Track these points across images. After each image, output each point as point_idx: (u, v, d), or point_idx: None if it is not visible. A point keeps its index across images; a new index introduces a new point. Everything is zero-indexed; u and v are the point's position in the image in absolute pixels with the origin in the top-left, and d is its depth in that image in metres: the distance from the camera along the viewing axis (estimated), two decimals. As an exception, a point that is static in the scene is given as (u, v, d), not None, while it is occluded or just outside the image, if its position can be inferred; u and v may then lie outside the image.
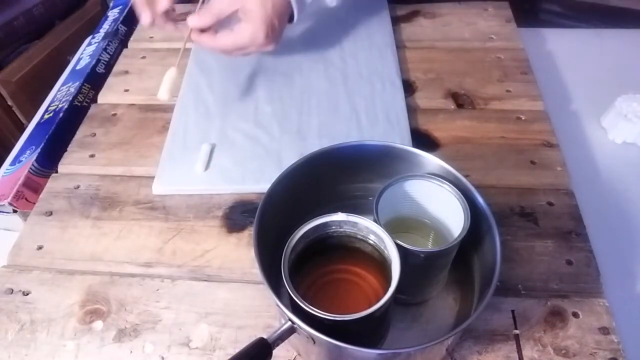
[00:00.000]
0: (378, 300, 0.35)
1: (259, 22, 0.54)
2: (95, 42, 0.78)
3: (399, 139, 0.58)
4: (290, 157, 0.51)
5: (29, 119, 0.72)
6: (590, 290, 0.47)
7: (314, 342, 0.36)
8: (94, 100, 0.70)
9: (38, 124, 0.66)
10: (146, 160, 0.60)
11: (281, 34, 0.58)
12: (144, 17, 0.57)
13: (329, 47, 0.72)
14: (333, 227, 0.40)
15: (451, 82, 0.68)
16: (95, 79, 0.72)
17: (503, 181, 0.56)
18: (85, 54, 0.76)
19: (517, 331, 0.44)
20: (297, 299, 0.35)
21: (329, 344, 0.34)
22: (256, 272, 0.41)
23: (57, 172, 0.61)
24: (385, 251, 0.38)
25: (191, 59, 0.70)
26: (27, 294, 0.49)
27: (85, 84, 0.71)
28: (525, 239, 0.51)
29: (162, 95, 0.57)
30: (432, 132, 0.61)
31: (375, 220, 0.39)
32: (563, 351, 0.43)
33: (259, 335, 0.37)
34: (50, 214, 0.56)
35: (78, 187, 0.58)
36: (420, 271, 0.41)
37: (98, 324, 0.47)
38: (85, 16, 1.19)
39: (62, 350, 0.45)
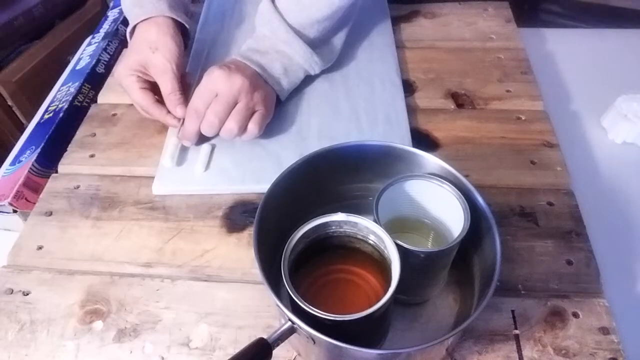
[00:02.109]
0: (378, 300, 0.35)
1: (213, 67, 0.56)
2: (95, 42, 0.78)
3: (399, 139, 0.58)
4: (290, 157, 0.51)
5: (29, 119, 0.72)
6: (590, 290, 0.47)
7: (314, 342, 0.36)
8: (94, 100, 0.70)
9: (38, 124, 0.66)
10: (146, 160, 0.60)
11: (246, 78, 0.55)
12: (179, 111, 0.58)
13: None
14: (333, 227, 0.40)
15: (451, 82, 0.68)
16: (95, 79, 0.72)
17: (503, 181, 0.56)
18: (85, 54, 0.76)
19: (517, 331, 0.44)
20: (297, 299, 0.35)
21: (329, 344, 0.34)
22: (256, 272, 0.41)
23: (57, 172, 0.61)
24: (385, 251, 0.38)
25: (191, 58, 0.70)
26: (27, 294, 0.49)
27: (85, 84, 0.71)
28: (525, 239, 0.51)
29: (167, 163, 0.57)
30: (432, 132, 0.61)
31: (375, 220, 0.39)
32: (563, 351, 0.43)
33: (259, 335, 0.37)
34: (50, 214, 0.56)
35: (78, 187, 0.58)
36: (420, 271, 0.41)
37: (98, 324, 0.47)
38: (85, 16, 1.19)
39: (62, 350, 0.45)
